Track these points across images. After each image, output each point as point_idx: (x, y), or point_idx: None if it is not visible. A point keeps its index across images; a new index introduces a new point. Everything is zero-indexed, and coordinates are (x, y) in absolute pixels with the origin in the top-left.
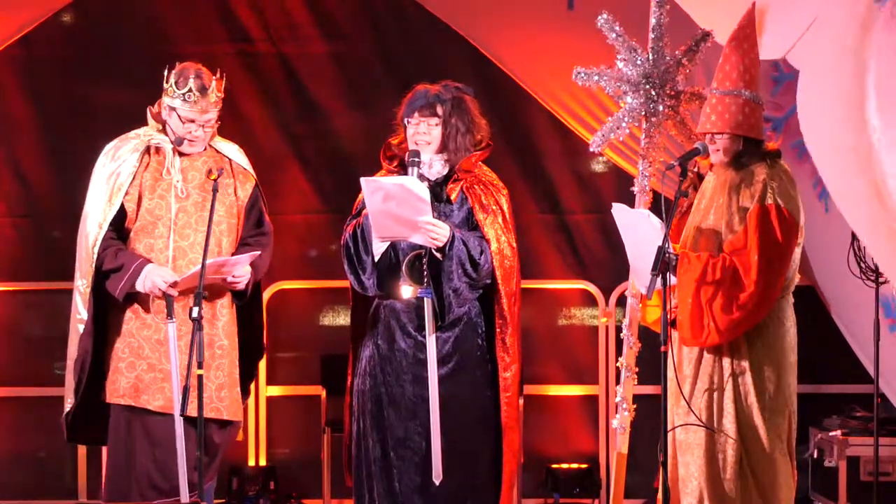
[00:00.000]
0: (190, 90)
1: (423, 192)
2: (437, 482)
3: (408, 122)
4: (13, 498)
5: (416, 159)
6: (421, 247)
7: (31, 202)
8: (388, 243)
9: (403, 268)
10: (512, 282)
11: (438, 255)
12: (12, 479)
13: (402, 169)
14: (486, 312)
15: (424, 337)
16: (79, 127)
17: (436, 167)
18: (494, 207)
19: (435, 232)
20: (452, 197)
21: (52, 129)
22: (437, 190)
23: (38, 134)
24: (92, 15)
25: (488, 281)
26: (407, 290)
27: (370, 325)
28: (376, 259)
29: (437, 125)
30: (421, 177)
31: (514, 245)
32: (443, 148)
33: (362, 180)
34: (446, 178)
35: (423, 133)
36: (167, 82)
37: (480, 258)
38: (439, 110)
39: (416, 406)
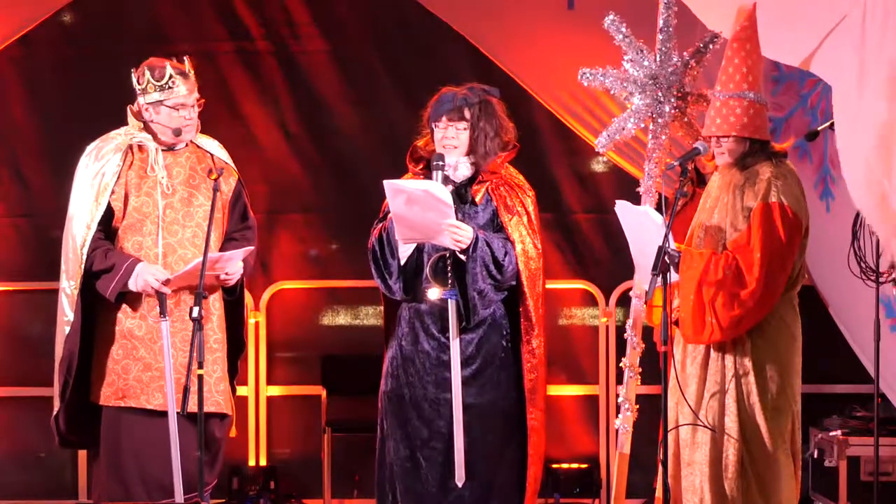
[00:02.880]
0: (171, 77)
1: (447, 196)
2: (459, 484)
3: (435, 125)
4: (13, 498)
5: (441, 163)
6: (445, 249)
7: (30, 202)
8: (414, 246)
9: (427, 270)
10: (538, 284)
11: (462, 257)
12: (12, 479)
13: (429, 171)
14: (511, 314)
15: (448, 339)
16: (79, 127)
17: (462, 170)
18: (520, 209)
19: (459, 234)
20: (477, 198)
21: (51, 129)
22: (462, 192)
23: (38, 134)
24: (92, 14)
25: (513, 282)
26: (432, 293)
27: (395, 327)
28: (402, 262)
29: (465, 129)
30: (446, 179)
31: (539, 247)
32: (470, 151)
33: (385, 183)
34: (471, 180)
35: (451, 137)
36: (139, 83)
37: (504, 260)
38: (467, 114)
39: (440, 407)
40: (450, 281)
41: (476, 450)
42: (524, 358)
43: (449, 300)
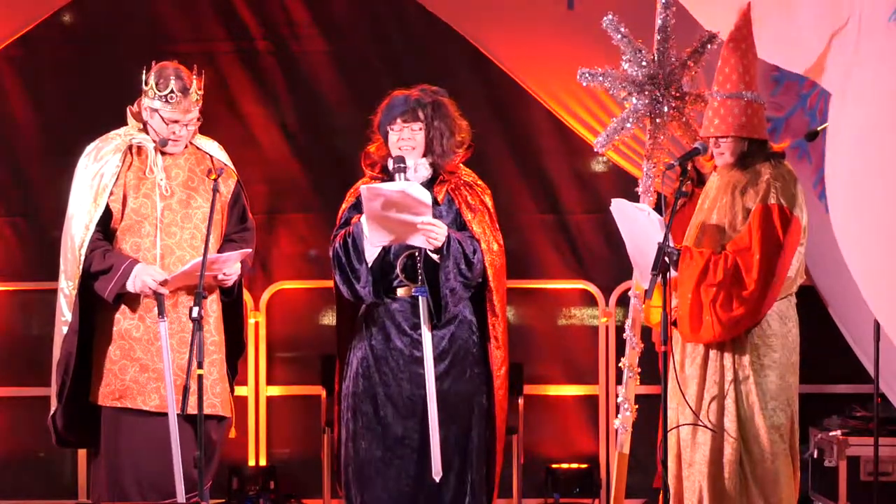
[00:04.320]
0: (172, 91)
1: (425, 196)
2: (437, 479)
3: (390, 129)
4: (13, 498)
5: (402, 165)
6: (413, 247)
7: (29, 202)
8: (381, 248)
9: (398, 268)
10: (503, 280)
11: (435, 256)
12: (12, 479)
13: (385, 174)
14: (477, 310)
15: (420, 335)
16: (78, 126)
17: (421, 171)
18: (480, 207)
19: (434, 232)
20: (439, 199)
21: (51, 128)
22: None
23: (37, 133)
24: (91, 14)
25: (480, 279)
26: (402, 291)
27: (360, 327)
28: (369, 265)
29: (420, 129)
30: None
31: (501, 243)
32: (427, 151)
33: (362, 188)
34: (431, 181)
35: (407, 139)
36: (146, 84)
37: (474, 257)
38: (421, 115)
39: (414, 404)
40: (420, 278)
41: (451, 444)
42: (493, 354)
43: (420, 297)
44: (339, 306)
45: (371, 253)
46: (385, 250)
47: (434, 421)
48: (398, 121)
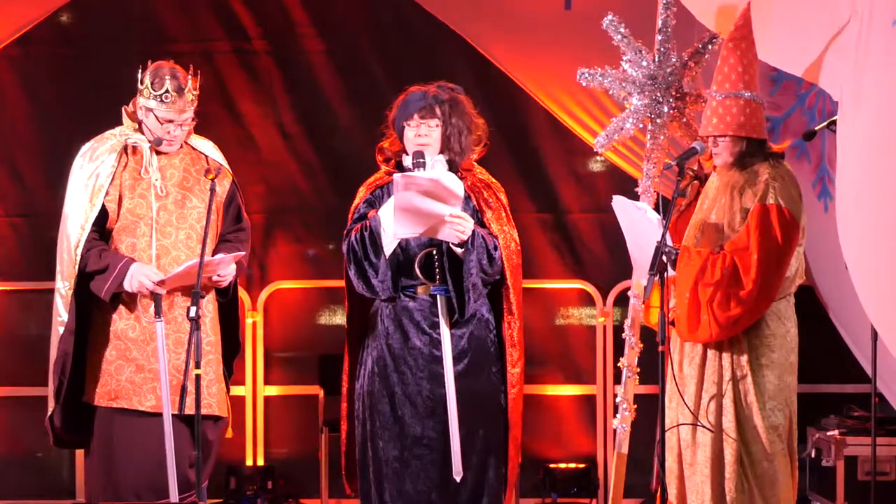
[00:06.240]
0: (167, 91)
1: (458, 187)
2: (457, 479)
3: (406, 124)
4: (12, 498)
5: (421, 160)
6: (430, 245)
7: (28, 202)
8: (398, 241)
9: (416, 266)
10: (519, 278)
11: (459, 249)
12: (11, 479)
13: (399, 170)
14: (493, 309)
15: (440, 334)
16: (76, 127)
17: (438, 168)
18: (496, 204)
19: (462, 225)
20: None
21: (49, 128)
22: None
23: (35, 133)
24: (90, 14)
25: (497, 276)
26: (421, 289)
27: (374, 326)
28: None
29: (437, 126)
30: None
31: (518, 241)
32: (443, 148)
33: (396, 176)
34: None
35: (424, 135)
36: (142, 83)
37: (496, 253)
38: (438, 111)
39: (434, 403)
40: (437, 277)
41: (470, 443)
42: (507, 351)
43: (438, 295)
44: (350, 304)
45: (391, 246)
46: (400, 247)
47: (454, 420)
48: (415, 116)
